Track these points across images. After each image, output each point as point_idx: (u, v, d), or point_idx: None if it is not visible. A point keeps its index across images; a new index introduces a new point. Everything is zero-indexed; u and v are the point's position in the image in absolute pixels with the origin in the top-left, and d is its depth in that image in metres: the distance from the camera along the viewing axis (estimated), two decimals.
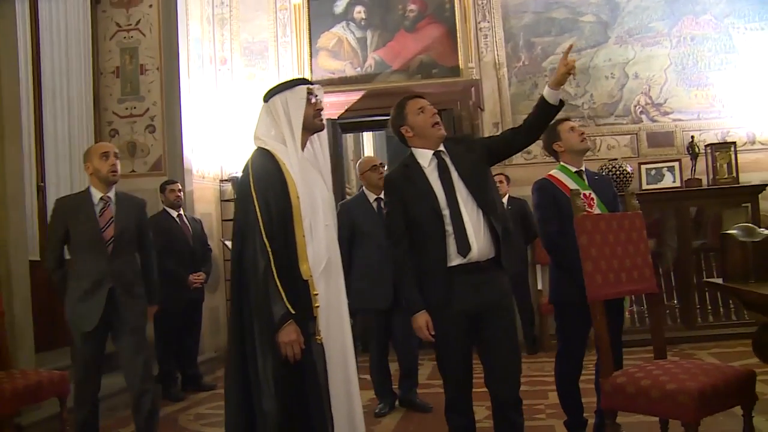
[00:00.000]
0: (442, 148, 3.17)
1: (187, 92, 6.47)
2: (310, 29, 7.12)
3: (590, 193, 3.67)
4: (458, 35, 6.99)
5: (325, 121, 3.08)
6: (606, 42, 6.97)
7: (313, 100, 2.98)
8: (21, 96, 5.38)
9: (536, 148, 6.87)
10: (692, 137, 6.64)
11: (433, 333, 3.03)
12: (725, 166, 6.54)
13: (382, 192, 3.93)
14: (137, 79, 6.34)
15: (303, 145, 2.98)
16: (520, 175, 6.92)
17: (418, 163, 3.16)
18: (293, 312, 2.67)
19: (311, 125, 2.96)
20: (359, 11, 7.11)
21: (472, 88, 6.90)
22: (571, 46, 3.30)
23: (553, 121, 3.30)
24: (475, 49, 7.01)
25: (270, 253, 2.70)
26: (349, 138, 8.39)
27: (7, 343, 4.21)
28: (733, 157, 6.54)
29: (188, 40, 6.60)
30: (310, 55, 7.11)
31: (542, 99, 3.06)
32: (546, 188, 3.80)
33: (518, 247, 5.62)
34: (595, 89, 6.96)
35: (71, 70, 5.97)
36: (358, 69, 7.10)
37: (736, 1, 6.87)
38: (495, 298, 3.05)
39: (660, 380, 2.86)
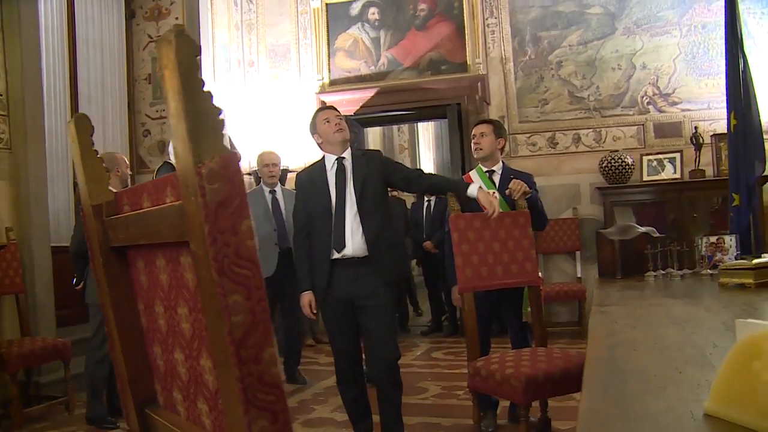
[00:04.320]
0: (346, 155, 3.62)
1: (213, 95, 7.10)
2: (328, 31, 7.58)
3: (494, 192, 3.95)
4: (466, 32, 7.24)
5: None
6: (613, 33, 7.02)
7: None
8: (59, 102, 6.21)
9: (542, 139, 7.08)
10: (695, 127, 6.62)
11: (315, 311, 3.55)
12: None
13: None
14: None
15: None
16: (525, 166, 7.04)
17: (324, 165, 3.64)
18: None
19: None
20: (373, 12, 7.51)
21: (479, 83, 7.15)
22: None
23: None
24: (482, 45, 7.24)
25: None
26: (376, 131, 8.81)
27: (28, 318, 5.05)
28: None
29: (214, 46, 7.24)
30: (329, 56, 7.58)
31: (463, 190, 3.52)
32: None
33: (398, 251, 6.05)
34: (602, 81, 7.03)
35: (105, 78, 6.74)
36: (372, 67, 7.51)
37: None
38: (367, 289, 3.47)
39: (504, 366, 3.18)
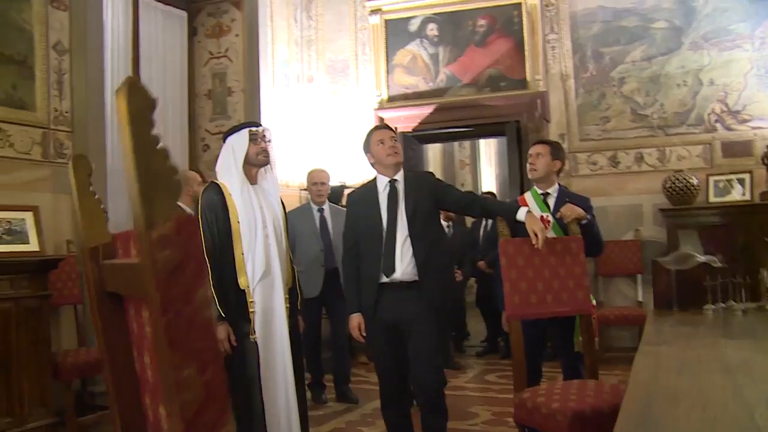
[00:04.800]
0: (399, 177, 3.58)
1: (271, 109, 7.18)
2: (387, 47, 7.56)
3: (547, 216, 3.84)
4: (526, 48, 7.12)
5: (270, 157, 3.56)
6: (679, 48, 6.78)
7: (258, 141, 3.47)
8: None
9: (603, 158, 6.89)
10: (767, 146, 6.32)
11: (364, 334, 3.48)
12: None
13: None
14: (225, 100, 7.15)
15: (254, 177, 3.51)
16: (586, 186, 6.93)
17: (376, 186, 3.61)
18: (224, 315, 3.24)
19: (255, 161, 3.47)
20: (432, 28, 7.45)
21: (539, 100, 7.01)
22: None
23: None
24: (542, 61, 7.10)
25: (209, 268, 3.27)
26: (436, 147, 8.74)
27: (85, 329, 5.17)
28: None
29: (273, 63, 7.31)
30: (387, 72, 7.56)
31: (513, 214, 3.44)
32: None
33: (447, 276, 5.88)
34: (666, 98, 6.80)
35: (167, 94, 6.87)
36: (431, 84, 7.45)
37: None
38: (413, 313, 3.41)
39: (551, 399, 3.06)
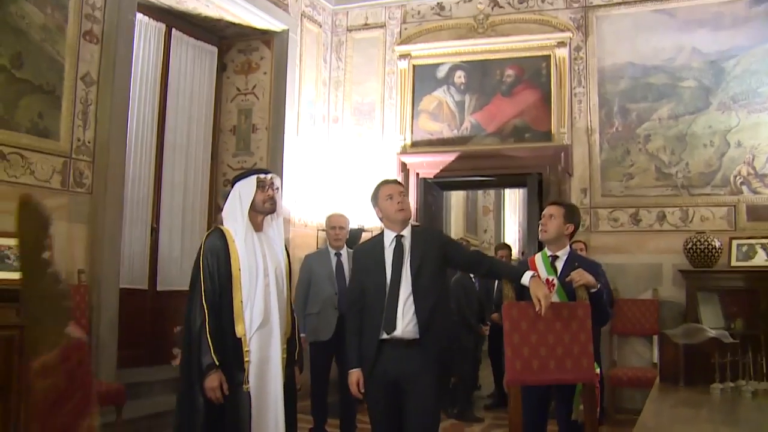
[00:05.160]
0: (405, 233, 3.54)
1: (294, 148, 7.21)
2: (413, 92, 7.59)
3: (553, 279, 3.74)
4: (552, 100, 7.10)
5: (277, 205, 3.54)
6: (707, 108, 6.70)
7: (266, 188, 3.46)
8: (145, 148, 6.43)
9: (624, 215, 6.80)
10: None
11: (362, 391, 3.41)
12: None
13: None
14: (249, 136, 7.21)
15: (260, 225, 3.49)
16: (605, 242, 6.87)
17: (383, 241, 3.57)
18: (218, 363, 3.19)
19: (261, 209, 3.45)
20: (459, 76, 7.47)
21: (562, 153, 6.97)
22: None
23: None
24: (568, 114, 7.07)
25: (206, 314, 3.24)
26: (459, 193, 8.70)
27: (90, 359, 5.15)
28: None
29: (299, 102, 7.37)
30: (412, 117, 7.58)
31: (518, 277, 3.41)
32: None
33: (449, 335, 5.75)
34: (692, 157, 6.70)
35: (192, 127, 6.95)
36: (455, 131, 7.44)
37: None
38: (413, 372, 3.34)
39: None
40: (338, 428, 5.55)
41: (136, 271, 6.32)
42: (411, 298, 3.37)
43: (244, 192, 3.45)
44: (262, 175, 3.50)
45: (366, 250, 3.67)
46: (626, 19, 7.06)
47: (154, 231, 6.56)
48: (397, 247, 3.51)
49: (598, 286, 3.50)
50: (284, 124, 7.11)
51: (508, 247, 8.08)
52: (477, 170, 7.39)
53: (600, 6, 7.14)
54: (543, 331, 3.34)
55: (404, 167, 7.48)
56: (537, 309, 3.19)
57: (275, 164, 7.06)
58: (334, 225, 5.69)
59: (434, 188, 7.67)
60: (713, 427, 2.26)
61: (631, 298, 6.72)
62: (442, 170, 7.39)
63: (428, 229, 3.79)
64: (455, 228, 10.31)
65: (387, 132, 7.70)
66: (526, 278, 3.31)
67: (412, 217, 7.25)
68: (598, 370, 3.63)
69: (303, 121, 7.45)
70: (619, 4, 7.07)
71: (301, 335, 5.54)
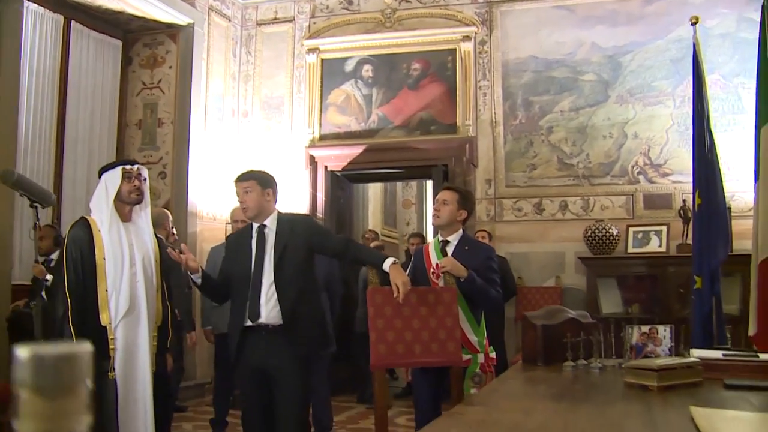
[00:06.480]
0: (268, 223, 3.55)
1: (202, 142, 7.15)
2: (322, 86, 7.61)
3: (441, 263, 3.78)
4: (458, 93, 7.20)
5: (145, 196, 3.54)
6: (606, 101, 6.90)
7: (132, 179, 3.45)
8: (44, 143, 6.29)
9: (528, 205, 6.95)
10: (684, 201, 6.41)
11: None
12: None
13: None
14: (155, 131, 7.12)
15: (128, 215, 3.47)
16: (510, 232, 7.01)
17: (251, 231, 3.60)
18: None
19: (127, 199, 3.44)
20: (367, 69, 7.51)
21: (467, 145, 7.08)
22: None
23: None
24: (473, 107, 7.18)
25: (69, 303, 3.22)
26: (377, 186, 8.74)
27: None
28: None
29: (207, 96, 7.31)
30: (320, 111, 7.59)
31: (380, 263, 3.41)
32: (416, 255, 4.03)
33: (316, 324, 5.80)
34: (592, 149, 6.90)
35: (95, 121, 6.82)
36: (363, 124, 7.48)
37: (747, 61, 6.56)
38: (279, 360, 3.37)
39: None
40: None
41: (28, 268, 6.17)
42: (273, 287, 3.40)
43: (109, 183, 3.44)
44: (128, 166, 3.49)
45: (235, 240, 3.72)
46: (529, 14, 7.21)
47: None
48: (259, 237, 3.55)
49: (465, 275, 3.53)
50: (190, 118, 7.04)
51: (421, 236, 8.14)
52: (384, 162, 7.46)
53: (504, 1, 7.27)
54: (408, 316, 3.40)
55: (312, 160, 7.49)
56: (395, 296, 3.25)
57: (181, 158, 7.01)
58: (237, 218, 5.67)
59: (343, 181, 7.70)
60: (538, 400, 2.34)
61: (535, 285, 6.87)
62: (349, 163, 7.43)
63: (296, 218, 3.80)
64: (372, 221, 10.36)
65: (296, 126, 7.69)
66: (387, 264, 3.36)
67: (320, 210, 7.29)
68: (493, 354, 3.70)
69: (211, 115, 7.40)
70: None
71: (207, 327, 5.54)
